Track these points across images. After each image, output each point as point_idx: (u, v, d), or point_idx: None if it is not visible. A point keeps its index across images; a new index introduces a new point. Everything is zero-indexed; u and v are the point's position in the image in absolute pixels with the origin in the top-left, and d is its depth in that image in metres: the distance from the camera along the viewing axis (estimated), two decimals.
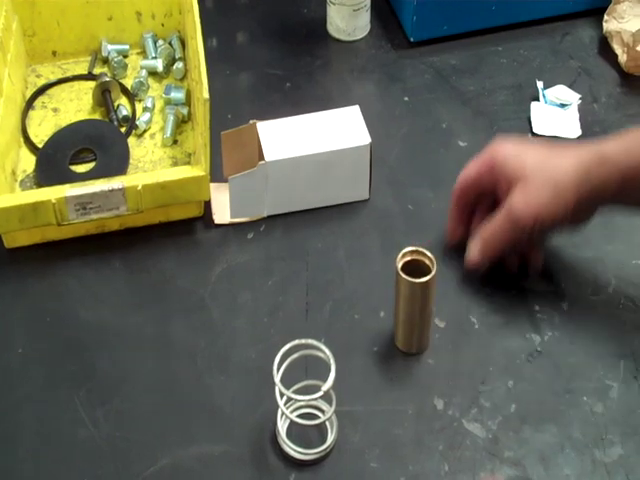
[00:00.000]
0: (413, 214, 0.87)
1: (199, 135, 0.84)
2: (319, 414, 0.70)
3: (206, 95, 0.79)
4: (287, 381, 0.67)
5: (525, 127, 0.96)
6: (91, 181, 0.81)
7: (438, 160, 0.92)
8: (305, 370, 0.71)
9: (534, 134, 0.95)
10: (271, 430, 0.69)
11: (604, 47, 1.04)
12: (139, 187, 0.81)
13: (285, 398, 0.67)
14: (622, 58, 1.01)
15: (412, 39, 1.05)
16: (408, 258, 0.72)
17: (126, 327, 0.77)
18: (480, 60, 1.04)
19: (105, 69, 1.01)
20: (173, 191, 0.82)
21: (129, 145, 0.92)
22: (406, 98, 0.99)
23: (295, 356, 0.68)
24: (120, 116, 0.96)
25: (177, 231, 0.84)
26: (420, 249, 0.72)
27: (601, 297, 0.79)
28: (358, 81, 1.02)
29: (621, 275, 0.81)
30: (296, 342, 0.67)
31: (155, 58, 1.01)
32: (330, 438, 0.69)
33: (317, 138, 0.85)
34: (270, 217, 0.86)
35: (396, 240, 0.83)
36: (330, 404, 0.68)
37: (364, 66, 1.03)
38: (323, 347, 0.67)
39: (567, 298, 0.79)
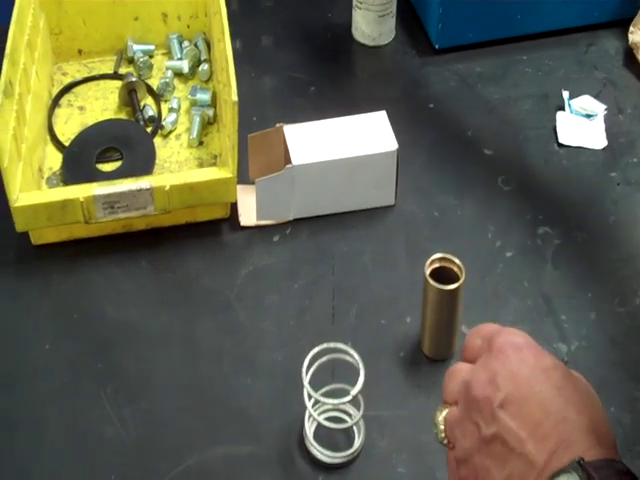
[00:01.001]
0: (439, 221, 0.87)
1: (226, 137, 0.85)
2: (347, 418, 0.70)
3: (235, 98, 0.79)
4: (314, 384, 0.67)
5: (551, 137, 0.96)
6: (119, 180, 0.81)
7: (463, 168, 0.92)
8: (332, 374, 0.71)
9: (560, 144, 0.95)
10: (298, 433, 0.69)
11: (629, 58, 1.04)
12: (167, 187, 0.81)
13: (313, 401, 0.67)
14: None
15: (437, 46, 1.05)
16: (437, 265, 0.72)
17: (152, 326, 0.77)
18: (505, 69, 1.04)
19: (131, 69, 1.01)
20: (200, 192, 0.82)
21: (155, 145, 0.92)
22: (431, 105, 0.99)
23: (324, 359, 0.68)
24: (146, 116, 0.96)
25: (203, 232, 0.84)
26: (449, 256, 0.72)
27: (628, 308, 0.79)
28: (383, 87, 1.02)
29: None
30: (325, 345, 0.67)
31: (181, 59, 1.02)
32: (357, 442, 0.69)
33: (344, 143, 0.85)
34: (296, 220, 0.86)
35: (422, 246, 0.83)
36: (358, 408, 0.68)
37: (389, 72, 1.04)
38: (352, 351, 0.67)
39: (594, 308, 0.79)
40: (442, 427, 0.53)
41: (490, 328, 0.55)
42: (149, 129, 0.95)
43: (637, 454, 0.69)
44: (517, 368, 0.50)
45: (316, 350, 0.67)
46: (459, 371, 0.54)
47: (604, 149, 0.94)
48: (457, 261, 0.71)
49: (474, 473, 0.49)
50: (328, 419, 0.69)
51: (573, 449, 0.46)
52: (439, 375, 0.72)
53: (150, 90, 0.99)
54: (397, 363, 0.74)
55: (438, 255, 0.72)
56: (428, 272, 0.70)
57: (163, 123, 0.95)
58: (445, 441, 0.53)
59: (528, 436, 0.47)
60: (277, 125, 0.87)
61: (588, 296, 0.80)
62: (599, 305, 0.79)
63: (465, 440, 0.50)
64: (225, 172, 0.82)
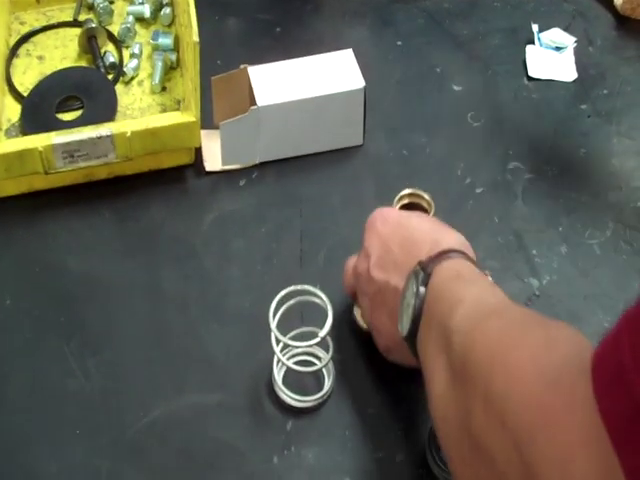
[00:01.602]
0: (407, 159, 0.85)
1: (189, 80, 0.82)
2: (316, 361, 0.69)
3: (196, 38, 0.76)
4: (283, 329, 0.66)
5: (520, 71, 0.94)
6: (79, 128, 0.79)
7: (432, 105, 0.90)
8: (301, 317, 0.70)
9: (529, 78, 0.93)
10: (267, 378, 0.69)
11: None
12: (128, 134, 0.79)
13: (281, 345, 0.66)
14: (617, 0, 0.99)
15: None
16: (406, 201, 0.70)
17: (116, 277, 0.76)
18: (473, 4, 1.01)
19: (91, 15, 0.98)
20: (163, 138, 0.80)
21: (117, 92, 0.90)
22: (399, 42, 0.97)
23: (291, 302, 0.67)
24: (107, 63, 0.93)
25: (167, 179, 0.82)
26: (417, 191, 0.70)
27: (600, 240, 0.78)
28: (350, 25, 0.99)
29: (618, 218, 0.80)
30: (292, 288, 0.66)
31: (142, 4, 0.99)
32: (327, 385, 0.68)
33: (310, 82, 0.83)
34: (262, 164, 0.84)
35: (390, 186, 0.81)
36: (327, 351, 0.67)
37: (356, 10, 1.01)
38: (320, 293, 0.66)
39: (565, 241, 0.78)
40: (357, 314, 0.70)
41: None
42: (110, 76, 0.92)
43: None
44: (381, 230, 0.64)
45: (283, 293, 0.66)
46: (349, 266, 0.69)
47: (574, 81, 0.92)
48: (426, 196, 0.70)
49: (377, 326, 0.65)
50: (297, 363, 0.68)
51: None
52: None
53: (111, 36, 0.96)
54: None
55: (407, 191, 0.70)
56: (397, 207, 0.69)
57: (124, 69, 0.92)
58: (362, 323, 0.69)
59: (393, 275, 0.61)
60: (241, 67, 0.84)
61: (559, 230, 0.79)
62: (570, 238, 0.78)
63: (366, 309, 0.66)
64: (188, 116, 0.80)
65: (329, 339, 0.66)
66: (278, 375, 0.68)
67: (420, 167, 0.84)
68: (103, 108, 0.88)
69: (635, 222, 0.79)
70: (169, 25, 0.98)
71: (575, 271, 0.76)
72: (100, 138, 0.78)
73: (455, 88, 0.92)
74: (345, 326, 0.70)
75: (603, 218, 0.80)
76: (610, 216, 0.80)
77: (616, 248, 0.78)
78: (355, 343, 0.71)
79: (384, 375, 0.69)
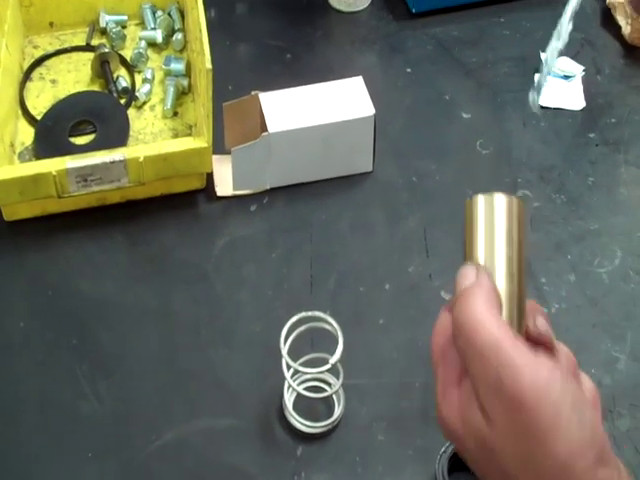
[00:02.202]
0: (417, 186, 0.86)
1: (201, 106, 0.83)
2: (326, 387, 0.70)
3: (209, 65, 0.77)
4: (293, 354, 0.66)
5: (528, 98, 0.94)
6: (92, 153, 0.80)
7: (441, 132, 0.91)
8: (311, 343, 0.70)
9: (539, 106, 0.94)
10: (277, 404, 0.69)
11: (607, 18, 1.03)
12: (141, 159, 0.79)
13: (292, 371, 0.67)
14: (625, 30, 1.00)
15: (414, 10, 1.03)
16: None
17: (128, 300, 0.76)
18: (482, 32, 1.02)
19: (103, 40, 1.00)
20: (175, 163, 0.81)
21: (129, 117, 0.91)
22: (408, 70, 0.98)
23: (302, 328, 0.67)
24: (119, 88, 0.94)
25: (179, 204, 0.83)
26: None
27: (608, 269, 0.78)
28: (360, 52, 1.01)
29: (627, 247, 0.80)
30: (303, 314, 0.67)
31: (154, 29, 1.00)
32: (337, 411, 0.68)
33: (320, 109, 0.84)
34: (273, 189, 0.85)
35: (400, 212, 0.83)
36: (337, 377, 0.68)
37: (365, 37, 1.02)
38: (330, 319, 0.66)
39: (574, 270, 0.78)
40: None
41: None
42: (123, 100, 0.93)
43: (618, 414, 0.69)
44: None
45: (294, 319, 0.66)
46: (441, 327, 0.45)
47: (582, 110, 0.93)
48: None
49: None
50: (307, 389, 0.69)
51: None
52: (419, 341, 0.72)
53: (123, 61, 0.97)
54: (376, 330, 0.74)
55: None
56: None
57: (137, 94, 0.93)
58: None
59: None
60: (253, 93, 0.85)
61: (567, 258, 0.79)
62: (578, 267, 0.79)
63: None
64: (200, 142, 0.81)
65: (339, 365, 0.67)
66: (289, 401, 0.69)
67: (429, 194, 0.85)
68: (115, 133, 0.89)
69: None
70: (181, 50, 0.99)
71: (584, 300, 0.76)
72: (113, 163, 0.79)
73: (464, 116, 0.93)
74: (356, 352, 0.71)
75: (612, 247, 0.80)
76: (619, 245, 0.81)
77: (625, 277, 0.78)
78: (365, 370, 0.71)
79: (394, 403, 0.70)
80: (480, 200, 0.43)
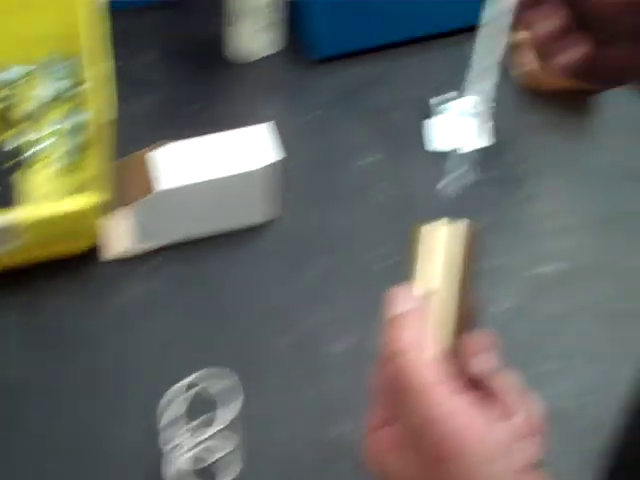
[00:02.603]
0: (318, 234, 0.86)
1: (96, 163, 0.82)
2: (226, 446, 0.68)
3: (103, 121, 0.77)
4: (194, 412, 0.65)
5: (429, 142, 0.96)
6: None
7: (345, 177, 0.92)
8: (213, 400, 0.69)
9: (436, 149, 0.95)
10: (171, 468, 0.67)
11: (507, 56, 1.04)
12: (30, 220, 0.78)
13: (184, 436, 0.65)
14: (521, 69, 1.02)
15: (320, 55, 1.04)
16: None
17: (10, 374, 0.74)
18: (388, 74, 1.03)
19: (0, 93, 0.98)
20: (67, 223, 0.79)
21: (19, 177, 0.89)
22: (311, 116, 0.98)
23: (199, 387, 0.66)
24: (12, 145, 0.93)
25: (69, 266, 0.81)
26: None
27: (504, 307, 0.79)
28: (264, 100, 1.01)
29: (522, 284, 0.81)
30: (198, 373, 0.66)
31: (54, 82, 0.99)
32: (231, 473, 0.67)
33: (218, 161, 0.83)
34: (169, 246, 0.84)
35: (300, 261, 0.82)
36: (233, 434, 0.67)
37: (270, 85, 1.02)
38: (227, 375, 0.66)
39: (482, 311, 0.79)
40: None
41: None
42: (15, 159, 0.92)
43: None
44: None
45: (190, 379, 0.66)
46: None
47: (483, 149, 0.94)
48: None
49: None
50: (201, 451, 0.67)
51: None
52: (313, 395, 0.72)
53: (18, 116, 0.96)
54: (274, 386, 0.73)
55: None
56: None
57: (31, 152, 0.92)
58: None
59: None
60: (150, 147, 0.85)
61: None
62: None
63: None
64: (92, 200, 0.80)
65: (235, 422, 0.66)
66: (183, 465, 0.67)
67: (333, 240, 0.85)
68: (5, 193, 0.87)
69: (537, 287, 0.81)
70: (80, 105, 0.98)
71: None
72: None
73: (366, 160, 0.93)
74: (251, 409, 0.70)
75: (508, 285, 0.81)
76: (515, 283, 0.81)
77: (520, 315, 0.79)
78: (263, 428, 0.70)
79: (293, 455, 0.69)
80: (430, 226, 0.42)
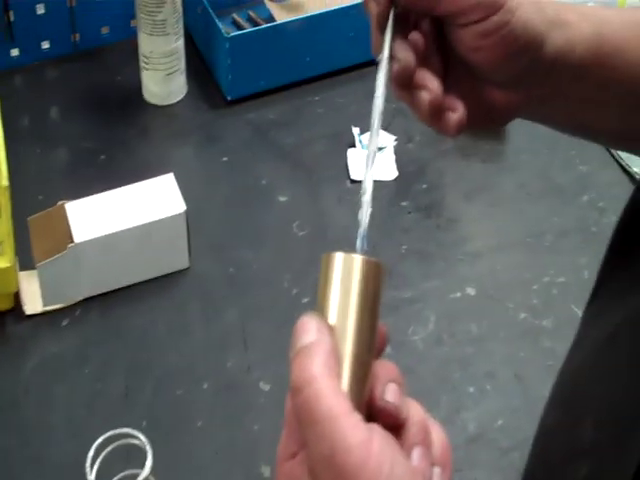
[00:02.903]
0: (234, 277, 0.86)
1: (2, 225, 0.81)
2: None
3: (5, 182, 0.76)
4: (107, 474, 0.64)
5: (343, 175, 0.97)
6: None
7: (259, 218, 0.92)
8: (127, 459, 0.68)
9: (352, 181, 0.96)
10: None
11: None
12: None
13: None
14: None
15: (229, 97, 1.04)
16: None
17: None
18: (297, 112, 1.04)
19: None
20: None
21: None
22: (225, 158, 0.99)
23: (110, 449, 0.65)
24: None
25: None
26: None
27: (422, 336, 0.80)
28: (175, 146, 1.01)
29: (440, 311, 0.82)
30: (109, 434, 0.65)
31: None
32: None
33: (130, 212, 0.83)
34: (86, 300, 0.83)
35: (218, 306, 0.82)
36: None
37: (181, 130, 1.03)
38: (137, 434, 0.65)
39: (389, 341, 0.79)
40: None
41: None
42: None
43: None
44: None
45: (100, 440, 0.65)
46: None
47: (395, 179, 0.96)
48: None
49: None
50: None
51: None
52: (237, 439, 0.71)
53: None
54: (195, 434, 0.72)
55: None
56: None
57: None
58: None
59: None
60: (59, 203, 0.84)
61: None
62: (393, 337, 0.78)
63: None
64: (3, 262, 0.79)
65: (152, 478, 0.65)
66: None
67: (247, 284, 0.85)
68: None
69: (455, 312, 0.82)
70: None
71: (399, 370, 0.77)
72: None
73: (281, 199, 0.94)
74: (173, 460, 0.69)
75: (425, 312, 0.82)
76: (432, 310, 0.82)
77: (438, 341, 0.79)
78: (182, 476, 0.70)
79: None
80: (338, 258, 0.41)
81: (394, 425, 0.41)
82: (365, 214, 0.43)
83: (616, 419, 0.35)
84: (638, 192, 0.40)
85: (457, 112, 0.45)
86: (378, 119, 0.44)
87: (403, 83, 0.45)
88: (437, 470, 0.40)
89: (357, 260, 0.41)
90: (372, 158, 0.44)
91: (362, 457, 0.37)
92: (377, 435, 0.38)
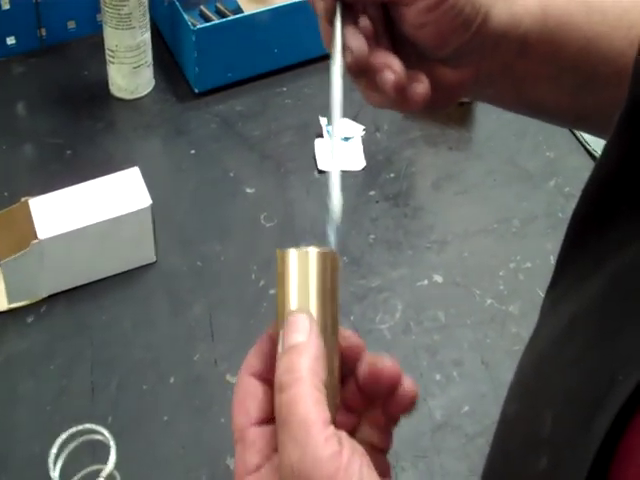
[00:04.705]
0: (201, 270, 0.85)
1: None
2: None
3: None
4: (72, 470, 0.64)
5: (311, 165, 0.96)
6: None
7: (226, 210, 0.92)
8: (92, 454, 0.68)
9: (320, 171, 0.96)
10: None
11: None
12: None
13: None
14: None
15: (196, 90, 1.04)
16: None
17: None
18: (265, 103, 1.04)
19: None
20: None
21: None
22: (192, 151, 0.98)
23: (74, 445, 0.65)
24: None
25: None
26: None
27: (389, 324, 0.80)
28: (143, 140, 1.00)
29: (408, 300, 0.82)
30: (73, 430, 0.65)
31: None
32: None
33: (95, 207, 0.83)
34: (51, 296, 0.83)
35: (184, 300, 0.82)
36: None
37: (149, 123, 1.02)
38: (101, 429, 0.65)
39: (357, 330, 0.79)
40: None
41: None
42: None
43: (401, 469, 0.69)
44: None
45: (64, 436, 0.64)
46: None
47: (363, 169, 0.96)
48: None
49: None
50: None
51: None
52: (203, 432, 0.71)
53: None
54: (160, 429, 0.72)
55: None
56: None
57: None
58: None
59: None
60: (22, 199, 0.84)
61: (350, 319, 0.81)
62: (361, 326, 0.80)
63: None
64: None
65: (116, 473, 0.65)
66: None
67: (214, 276, 0.85)
68: None
69: (422, 300, 0.82)
70: None
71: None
72: None
73: (248, 191, 0.94)
74: (138, 456, 0.69)
75: (393, 301, 0.82)
76: (400, 298, 0.82)
77: (405, 330, 0.80)
78: (149, 472, 0.69)
79: None
80: (292, 254, 0.41)
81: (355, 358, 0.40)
82: (335, 205, 0.43)
83: (573, 411, 0.35)
84: (596, 173, 0.40)
85: (423, 83, 0.46)
86: (338, 114, 0.44)
87: (359, 71, 0.46)
88: None
89: (312, 254, 0.41)
90: (335, 156, 0.44)
91: (331, 470, 0.37)
92: (347, 448, 0.38)
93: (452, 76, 0.47)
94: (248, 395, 0.39)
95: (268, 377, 0.39)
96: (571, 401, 0.36)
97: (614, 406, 0.31)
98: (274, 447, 0.38)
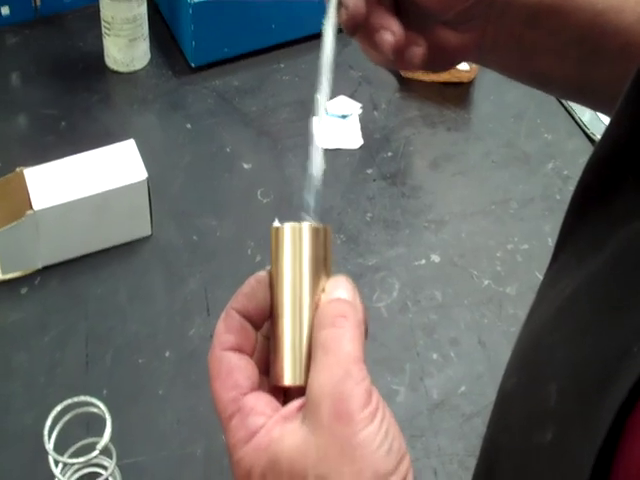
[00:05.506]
0: (197, 245, 0.85)
1: None
2: (102, 472, 0.67)
3: None
4: (66, 442, 0.63)
5: (308, 142, 0.95)
6: None
7: (223, 185, 0.91)
8: (87, 427, 0.68)
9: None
10: None
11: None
12: None
13: (61, 465, 0.64)
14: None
15: (193, 64, 1.03)
16: None
17: None
18: (262, 79, 1.03)
19: None
20: None
21: None
22: (189, 125, 0.97)
23: (69, 417, 0.64)
24: None
25: None
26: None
27: (386, 302, 0.79)
28: (138, 113, 0.99)
29: (404, 278, 0.82)
30: (68, 402, 0.64)
31: None
32: None
33: (91, 179, 0.82)
34: (46, 268, 0.82)
35: (180, 274, 0.81)
36: (111, 459, 0.65)
37: (144, 97, 1.01)
38: (96, 402, 0.64)
39: None
40: None
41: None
42: None
43: None
44: None
45: (58, 408, 0.64)
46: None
47: (360, 147, 0.95)
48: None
49: None
50: (82, 476, 0.66)
51: None
52: (200, 407, 0.71)
53: None
54: (156, 402, 0.72)
55: None
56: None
57: None
58: None
59: None
60: (17, 169, 0.83)
61: None
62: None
63: None
64: None
65: (112, 447, 0.64)
66: None
67: (210, 251, 0.84)
68: None
69: (419, 279, 0.82)
70: None
71: None
72: None
73: (245, 166, 0.93)
74: (134, 429, 0.68)
75: (390, 280, 0.82)
76: (396, 277, 0.82)
77: (402, 309, 0.79)
78: (145, 446, 0.69)
79: (176, 476, 0.68)
80: (286, 229, 0.40)
81: None
82: (316, 167, 0.43)
83: (581, 383, 0.35)
84: (597, 153, 0.39)
85: (421, 45, 0.46)
86: (328, 70, 0.44)
87: (353, 29, 0.46)
88: None
89: (305, 229, 0.40)
90: (321, 114, 0.43)
91: (362, 401, 0.36)
92: (375, 395, 0.37)
93: (454, 39, 0.47)
94: (233, 368, 0.39)
95: (244, 349, 0.39)
96: (578, 372, 0.35)
97: (630, 378, 0.31)
98: (273, 407, 0.38)
